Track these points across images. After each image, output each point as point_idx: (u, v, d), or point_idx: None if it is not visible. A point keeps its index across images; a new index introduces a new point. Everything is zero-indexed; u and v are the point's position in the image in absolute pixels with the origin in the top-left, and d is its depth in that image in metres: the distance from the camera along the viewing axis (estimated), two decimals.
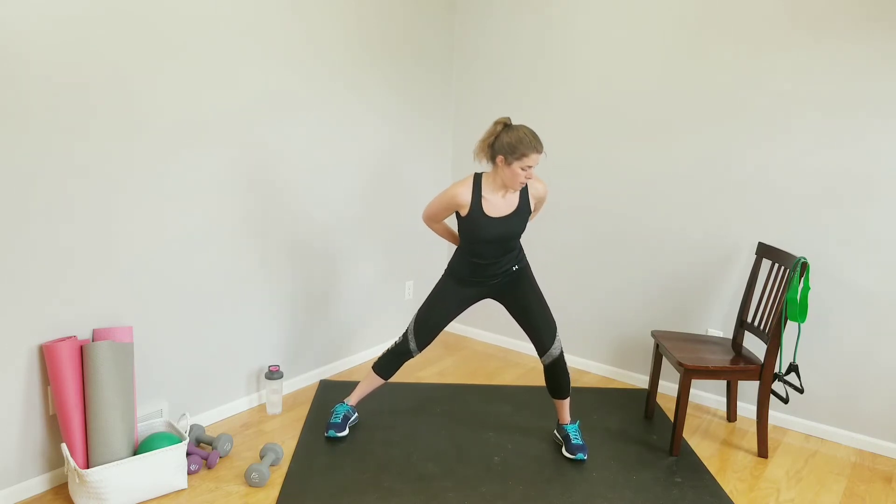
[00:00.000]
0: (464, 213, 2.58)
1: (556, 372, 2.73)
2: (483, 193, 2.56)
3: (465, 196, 2.55)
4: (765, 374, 2.78)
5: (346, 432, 2.83)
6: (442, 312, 2.75)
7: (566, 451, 2.76)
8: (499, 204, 2.57)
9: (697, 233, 3.33)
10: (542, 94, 3.75)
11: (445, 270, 2.80)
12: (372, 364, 2.88)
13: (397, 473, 2.58)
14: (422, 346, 2.78)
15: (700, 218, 3.31)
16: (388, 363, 2.83)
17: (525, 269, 2.76)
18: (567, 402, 2.81)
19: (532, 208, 2.66)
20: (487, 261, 2.66)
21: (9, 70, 2.09)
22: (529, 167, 2.45)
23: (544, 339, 2.70)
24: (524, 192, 2.61)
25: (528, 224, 2.82)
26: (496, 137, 2.51)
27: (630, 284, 3.59)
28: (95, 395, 2.27)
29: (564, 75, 3.65)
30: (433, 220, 2.74)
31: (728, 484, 2.65)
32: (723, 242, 3.26)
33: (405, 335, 2.79)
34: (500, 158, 2.50)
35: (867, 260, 2.91)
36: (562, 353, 2.72)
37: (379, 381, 2.87)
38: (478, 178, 2.59)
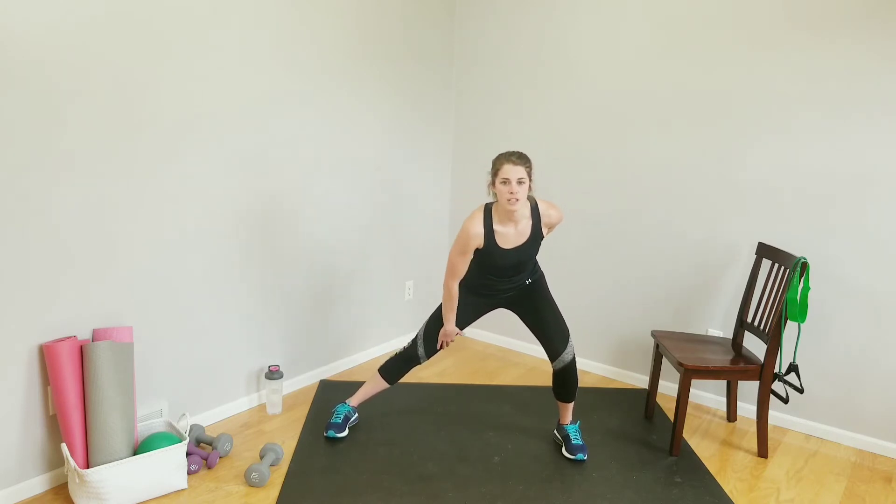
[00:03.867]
0: (480, 247, 2.55)
1: (566, 377, 2.72)
2: (494, 226, 2.53)
3: (479, 230, 2.51)
4: (765, 374, 2.78)
5: (345, 433, 2.83)
6: None
7: (566, 451, 2.76)
8: (511, 236, 2.54)
9: (697, 233, 3.33)
10: (541, 95, 3.75)
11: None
12: (378, 367, 2.88)
13: (397, 473, 2.58)
14: (430, 353, 2.77)
15: (700, 218, 3.31)
16: (394, 368, 2.82)
17: (539, 281, 2.75)
18: (571, 404, 2.81)
19: (545, 235, 2.63)
20: (501, 279, 2.66)
21: (9, 70, 2.09)
22: (507, 180, 2.40)
23: (556, 346, 2.69)
24: (536, 220, 2.57)
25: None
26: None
27: (630, 284, 3.59)
28: (95, 395, 2.28)
29: (564, 76, 3.65)
30: (457, 274, 2.60)
31: (728, 484, 2.65)
32: (723, 242, 3.26)
33: (414, 341, 2.79)
34: (491, 185, 2.51)
35: (867, 260, 2.91)
36: (573, 358, 2.70)
37: (384, 384, 2.86)
38: (488, 210, 2.55)
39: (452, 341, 2.75)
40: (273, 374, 3.02)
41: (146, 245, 2.56)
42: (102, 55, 2.31)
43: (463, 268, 2.59)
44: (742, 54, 3.08)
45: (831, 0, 2.85)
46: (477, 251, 2.58)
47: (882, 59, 2.77)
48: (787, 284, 2.71)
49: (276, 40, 2.91)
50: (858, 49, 2.81)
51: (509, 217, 2.51)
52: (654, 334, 3.11)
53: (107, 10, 2.30)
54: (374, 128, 3.54)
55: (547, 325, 2.70)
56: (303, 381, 3.40)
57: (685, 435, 3.05)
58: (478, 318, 2.80)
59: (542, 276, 2.77)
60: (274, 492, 2.44)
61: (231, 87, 2.76)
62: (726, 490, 2.60)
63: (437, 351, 2.77)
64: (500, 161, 2.45)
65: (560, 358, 2.68)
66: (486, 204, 2.58)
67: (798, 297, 2.69)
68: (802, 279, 2.69)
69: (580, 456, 2.72)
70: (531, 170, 2.46)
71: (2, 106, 2.09)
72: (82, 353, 2.30)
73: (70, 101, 2.25)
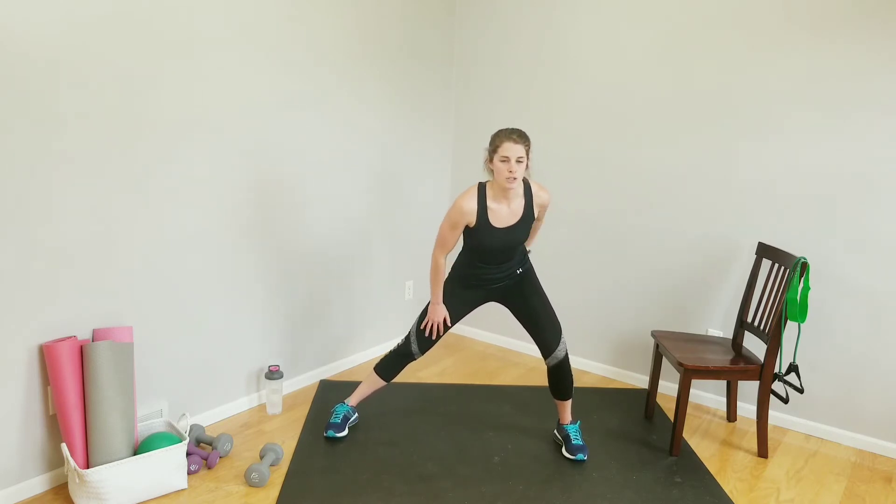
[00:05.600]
0: (471, 225, 2.57)
1: (560, 374, 2.73)
2: (488, 203, 2.54)
3: (472, 206, 2.52)
4: (765, 374, 2.78)
5: (345, 433, 2.83)
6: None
7: (566, 451, 2.76)
8: (504, 214, 2.56)
9: (697, 233, 3.33)
10: (541, 95, 3.75)
11: (449, 274, 2.80)
12: (374, 366, 2.88)
13: (397, 473, 2.58)
14: (424, 349, 2.77)
15: (700, 218, 3.31)
16: (389, 365, 2.83)
17: (529, 272, 2.76)
18: (569, 402, 2.81)
19: (536, 215, 2.65)
20: (491, 265, 2.66)
21: (9, 69, 2.09)
22: (507, 158, 2.42)
23: (549, 342, 2.69)
24: (528, 201, 2.59)
25: (539, 233, 2.82)
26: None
27: (630, 284, 3.59)
28: (95, 395, 2.27)
29: (564, 76, 3.65)
30: (446, 247, 2.61)
31: (728, 484, 2.65)
32: (723, 242, 3.26)
33: (407, 338, 2.79)
34: (487, 161, 2.52)
35: (867, 260, 2.91)
36: (566, 355, 2.72)
37: (380, 382, 2.86)
38: (482, 188, 2.57)
39: (440, 335, 2.73)
40: (273, 374, 3.02)
41: (146, 245, 2.56)
42: (102, 55, 2.31)
43: (452, 241, 2.60)
44: (742, 54, 3.08)
45: (831, 0, 2.85)
46: (469, 230, 2.58)
47: (882, 59, 2.77)
48: (787, 284, 2.71)
49: (276, 40, 2.91)
50: (859, 49, 2.81)
51: (504, 194, 2.53)
52: (654, 334, 3.11)
53: (107, 10, 2.30)
54: (375, 128, 3.54)
55: (539, 319, 2.70)
56: (303, 381, 3.40)
57: (685, 435, 3.05)
58: (469, 311, 2.80)
59: (532, 268, 2.77)
60: (274, 492, 2.44)
61: (231, 87, 2.76)
62: (726, 490, 2.60)
63: (431, 346, 2.77)
64: (500, 138, 2.46)
65: (553, 354, 2.69)
66: (480, 182, 2.59)
67: (798, 297, 2.69)
68: (802, 279, 2.69)
69: (580, 456, 2.72)
70: (530, 149, 2.48)
71: (2, 105, 2.09)
72: (82, 353, 2.30)
73: (70, 101, 2.25)
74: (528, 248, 2.83)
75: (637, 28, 3.38)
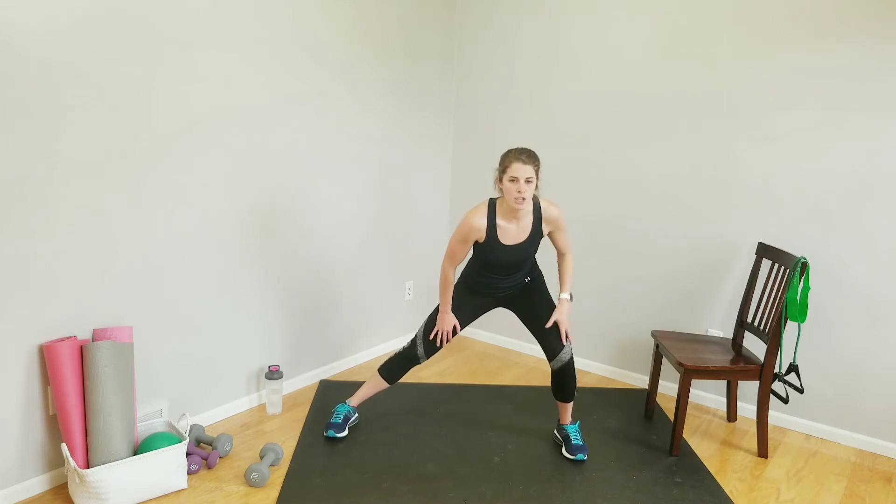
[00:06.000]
0: (480, 240, 2.58)
1: (564, 377, 2.72)
2: (497, 221, 2.55)
3: (481, 223, 2.54)
4: (765, 374, 2.78)
5: (345, 433, 2.83)
6: None
7: (566, 451, 2.76)
8: (512, 232, 2.56)
9: (697, 233, 3.33)
10: (541, 95, 3.75)
11: (458, 280, 2.81)
12: (378, 367, 2.88)
13: (397, 473, 2.58)
14: (430, 353, 2.77)
15: (700, 218, 3.31)
16: (394, 368, 2.83)
17: (537, 280, 2.76)
18: (570, 404, 2.81)
19: (545, 233, 2.64)
20: (500, 276, 2.67)
21: (8, 69, 2.09)
22: (516, 178, 2.41)
23: (554, 346, 2.69)
24: (538, 218, 2.59)
25: (572, 270, 2.79)
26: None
27: (630, 284, 3.59)
28: (95, 395, 2.28)
29: (564, 76, 3.65)
30: (455, 260, 2.63)
31: (728, 484, 2.65)
32: (723, 242, 3.26)
33: (413, 341, 2.79)
34: (497, 181, 2.53)
35: (867, 260, 2.91)
36: (571, 358, 2.71)
37: (383, 384, 2.86)
38: (492, 204, 2.57)
39: (449, 341, 2.74)
40: (273, 374, 3.02)
41: (146, 245, 2.56)
42: (102, 54, 2.31)
43: (461, 255, 2.62)
44: (743, 54, 3.08)
45: (832, 0, 2.85)
46: (478, 245, 2.60)
47: (883, 60, 2.77)
48: (787, 284, 2.71)
49: (276, 42, 2.91)
50: (860, 49, 2.81)
51: (514, 213, 2.54)
52: (654, 334, 3.11)
53: (106, 10, 2.30)
54: (374, 128, 3.54)
55: (546, 324, 2.70)
56: (303, 381, 3.40)
57: (685, 435, 3.05)
58: (478, 317, 2.81)
59: (541, 275, 2.78)
60: (274, 492, 2.44)
61: (231, 87, 2.76)
62: (726, 490, 2.60)
63: (437, 350, 2.77)
64: (509, 158, 2.46)
65: (558, 357, 2.69)
66: (491, 199, 2.60)
67: (798, 297, 2.69)
68: (802, 279, 2.69)
69: (580, 456, 2.72)
70: (539, 168, 2.48)
71: (1, 105, 2.09)
72: (82, 353, 2.30)
73: (70, 100, 2.25)
74: (567, 293, 2.72)
75: (637, 28, 3.38)
